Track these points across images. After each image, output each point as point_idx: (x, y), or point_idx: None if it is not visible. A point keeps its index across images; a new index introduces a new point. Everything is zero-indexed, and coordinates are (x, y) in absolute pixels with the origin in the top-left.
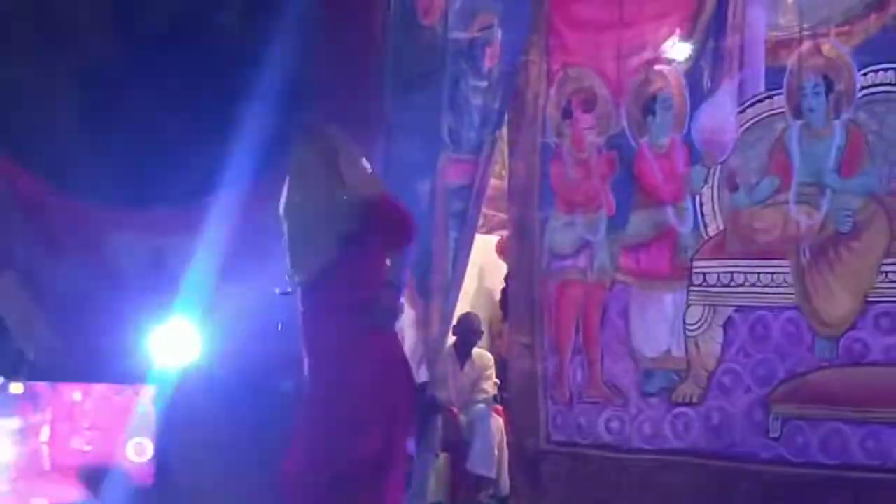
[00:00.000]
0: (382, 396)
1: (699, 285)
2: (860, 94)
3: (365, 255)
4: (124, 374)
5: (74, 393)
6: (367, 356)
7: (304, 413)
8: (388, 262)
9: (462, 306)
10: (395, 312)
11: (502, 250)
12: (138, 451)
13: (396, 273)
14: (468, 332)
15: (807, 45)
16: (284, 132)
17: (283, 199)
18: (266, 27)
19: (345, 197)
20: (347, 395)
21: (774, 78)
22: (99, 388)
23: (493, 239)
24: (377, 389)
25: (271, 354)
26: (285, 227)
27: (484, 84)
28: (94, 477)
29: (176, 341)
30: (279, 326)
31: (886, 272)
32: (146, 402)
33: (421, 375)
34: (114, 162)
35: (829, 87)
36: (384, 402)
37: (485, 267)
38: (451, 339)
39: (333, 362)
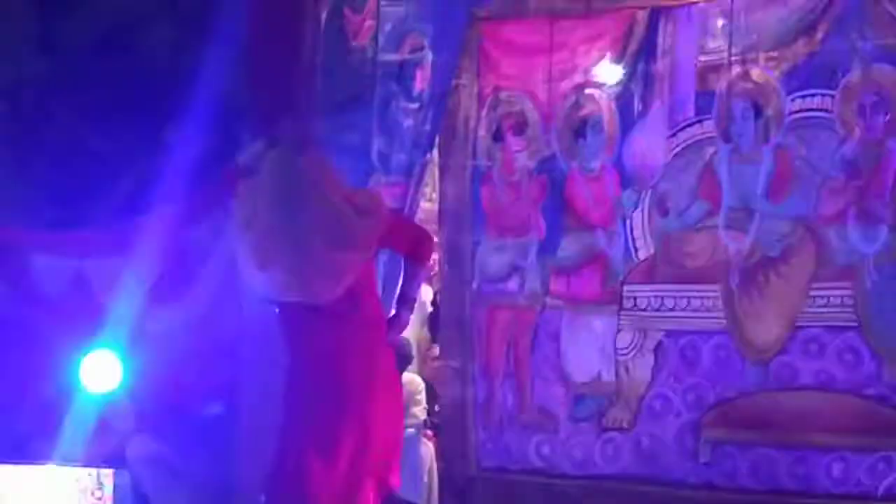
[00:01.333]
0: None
1: (630, 309)
2: (789, 119)
3: (369, 267)
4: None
5: None
6: (377, 370)
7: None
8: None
9: None
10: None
11: (428, 274)
12: None
13: (411, 288)
14: (399, 357)
15: (736, 70)
16: (212, 152)
17: (248, 212)
18: (194, 45)
19: (351, 208)
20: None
21: (704, 103)
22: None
23: None
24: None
25: (200, 379)
26: (254, 240)
27: (415, 106)
28: None
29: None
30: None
31: (815, 296)
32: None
33: None
34: (35, 182)
35: (758, 113)
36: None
37: None
38: None
39: (343, 377)
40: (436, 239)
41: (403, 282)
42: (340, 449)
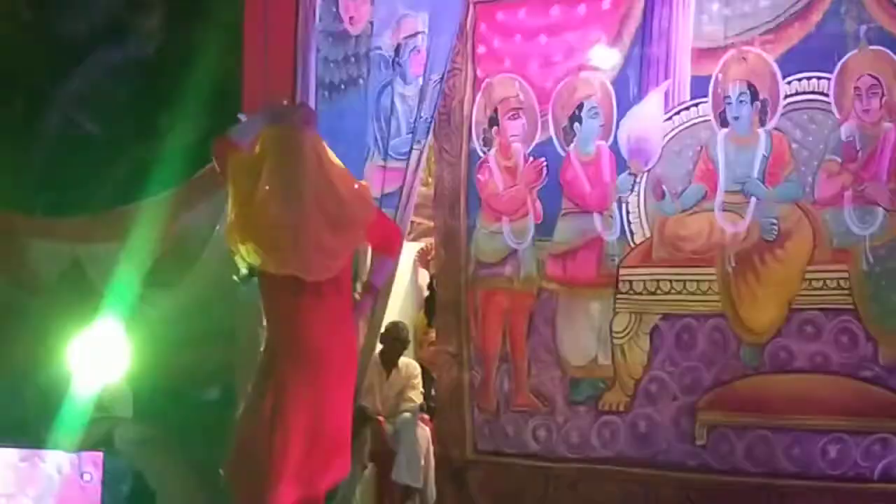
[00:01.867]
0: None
1: (626, 293)
2: (784, 103)
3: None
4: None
5: None
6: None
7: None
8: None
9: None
10: None
11: (423, 258)
12: None
13: (378, 278)
14: (396, 340)
15: (732, 53)
16: (208, 138)
17: (246, 186)
18: (190, 32)
19: (349, 192)
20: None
21: (700, 86)
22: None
23: (418, 246)
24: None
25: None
26: (252, 213)
27: (410, 91)
28: None
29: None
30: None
31: (810, 279)
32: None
33: None
34: (32, 168)
35: (754, 96)
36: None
37: (410, 274)
38: (378, 347)
39: (321, 355)
40: (432, 223)
41: (372, 272)
42: (301, 426)
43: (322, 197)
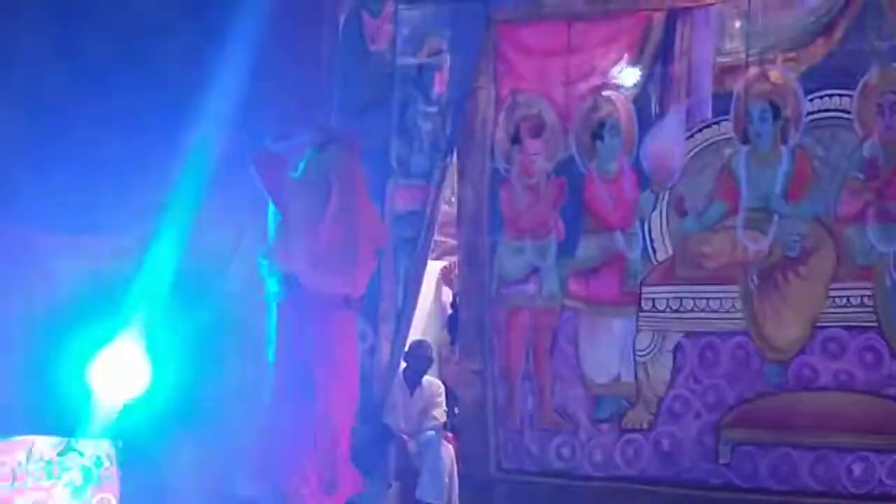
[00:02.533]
0: None
1: (648, 311)
2: (807, 120)
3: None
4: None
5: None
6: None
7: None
8: None
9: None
10: None
11: (447, 276)
12: None
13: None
14: (420, 359)
15: (754, 70)
16: (231, 156)
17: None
18: (214, 51)
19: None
20: None
21: (722, 104)
22: (40, 444)
23: (441, 265)
24: None
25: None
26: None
27: (433, 110)
28: None
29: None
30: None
31: (834, 297)
32: (107, 456)
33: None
34: (57, 187)
35: (776, 113)
36: None
37: (434, 292)
38: (402, 365)
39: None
40: (455, 241)
41: None
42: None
43: (363, 220)
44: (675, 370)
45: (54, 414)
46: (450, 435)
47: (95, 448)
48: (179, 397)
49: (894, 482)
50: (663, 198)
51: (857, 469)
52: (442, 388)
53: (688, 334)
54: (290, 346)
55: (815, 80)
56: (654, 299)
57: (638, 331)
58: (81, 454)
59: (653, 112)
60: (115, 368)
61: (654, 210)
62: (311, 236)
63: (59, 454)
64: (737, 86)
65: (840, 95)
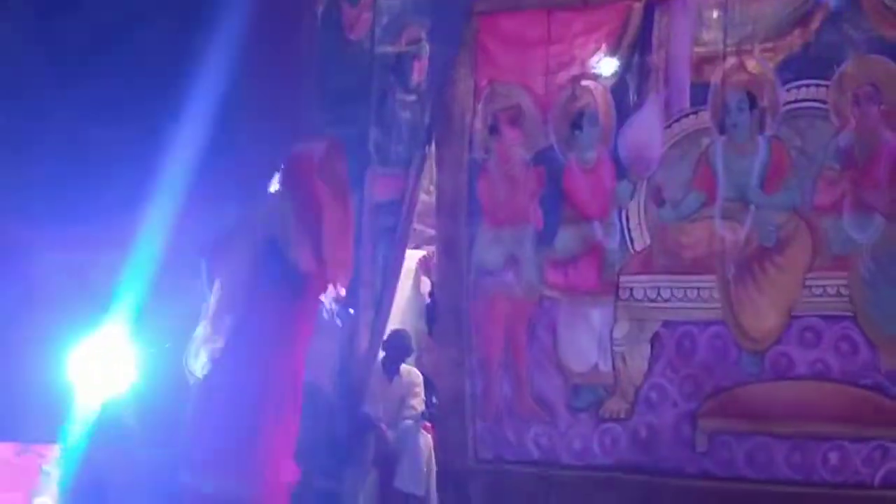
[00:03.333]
0: None
1: (626, 300)
2: (783, 110)
3: None
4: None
5: None
6: None
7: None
8: None
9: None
10: None
11: (425, 265)
12: None
13: None
14: (399, 348)
15: (731, 61)
16: (212, 146)
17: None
18: (194, 42)
19: None
20: None
21: (699, 94)
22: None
23: (420, 254)
24: None
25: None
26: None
27: (412, 98)
28: None
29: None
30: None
31: (810, 286)
32: (51, 462)
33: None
34: (36, 178)
35: (753, 103)
36: None
37: (412, 281)
38: (380, 354)
39: None
40: (434, 231)
41: None
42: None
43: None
44: (653, 359)
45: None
46: (428, 424)
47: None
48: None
49: (870, 470)
50: (641, 187)
51: (834, 457)
52: (420, 378)
53: (665, 323)
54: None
55: (791, 71)
56: (631, 288)
57: (616, 320)
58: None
59: (631, 102)
60: (99, 359)
61: (631, 200)
62: (319, 228)
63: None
64: (714, 76)
65: (816, 86)
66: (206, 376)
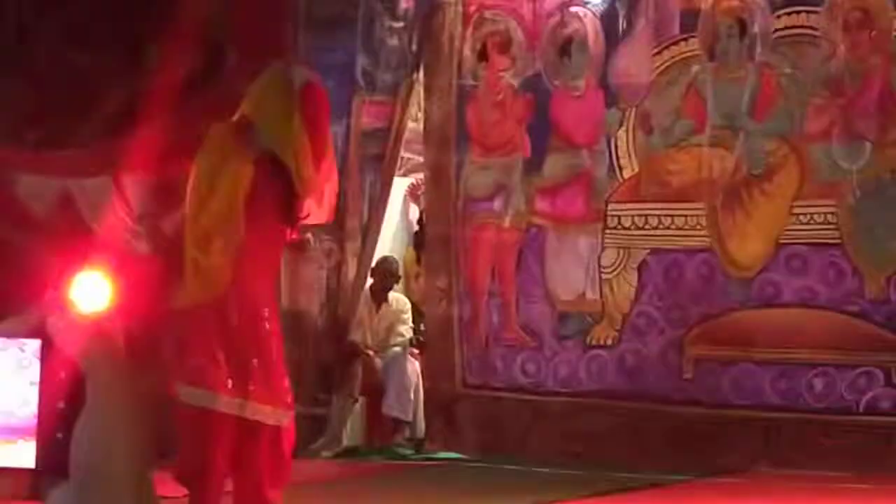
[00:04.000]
0: None
1: (614, 228)
2: (774, 37)
3: None
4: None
5: None
6: None
7: None
8: None
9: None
10: None
11: (414, 193)
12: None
13: None
14: (386, 275)
15: None
16: (198, 72)
17: None
18: None
19: None
20: None
21: (689, 20)
22: None
23: (408, 181)
24: None
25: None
26: None
27: (400, 25)
28: None
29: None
30: None
31: (798, 214)
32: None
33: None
34: (18, 103)
35: (743, 30)
36: None
37: (401, 209)
38: (368, 281)
39: None
40: (422, 158)
41: None
42: None
43: None
44: (640, 287)
45: None
46: (415, 351)
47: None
48: None
49: (854, 396)
50: (630, 115)
51: (818, 384)
52: (408, 305)
53: (653, 251)
54: None
55: None
56: (619, 216)
57: (603, 248)
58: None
59: (620, 29)
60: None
61: (620, 127)
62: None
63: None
64: (704, 2)
65: (807, 12)
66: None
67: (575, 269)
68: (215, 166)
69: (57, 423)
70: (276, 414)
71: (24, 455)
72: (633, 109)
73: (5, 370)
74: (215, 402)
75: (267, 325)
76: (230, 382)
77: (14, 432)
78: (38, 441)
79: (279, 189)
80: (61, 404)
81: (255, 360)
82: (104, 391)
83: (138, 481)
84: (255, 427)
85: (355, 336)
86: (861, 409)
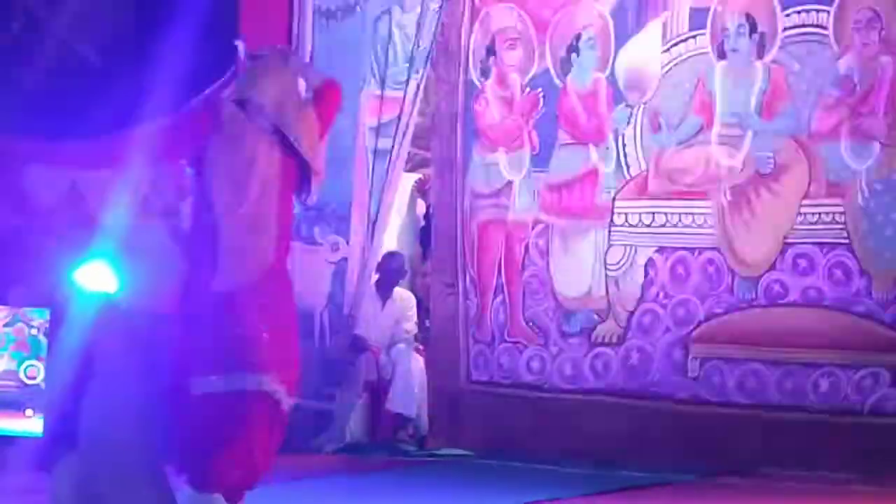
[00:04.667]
0: None
1: (621, 225)
2: (783, 35)
3: None
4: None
5: None
6: None
7: None
8: None
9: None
10: None
11: (421, 188)
12: (30, 374)
13: None
14: (392, 271)
15: None
16: (204, 61)
17: None
18: None
19: None
20: None
21: (699, 18)
22: None
23: (415, 177)
24: None
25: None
26: None
27: (409, 20)
28: None
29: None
30: None
31: (805, 213)
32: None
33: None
34: (27, 92)
35: (753, 28)
36: None
37: (408, 204)
38: (374, 277)
39: None
40: (430, 154)
41: None
42: None
43: None
44: (646, 285)
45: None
46: (421, 347)
47: (41, 318)
48: None
49: (860, 397)
50: (638, 112)
51: (824, 384)
52: (414, 301)
53: (659, 249)
54: None
55: None
56: (626, 214)
57: (610, 245)
58: (29, 326)
59: (629, 25)
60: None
61: (628, 124)
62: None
63: (6, 325)
64: (714, 0)
65: (817, 11)
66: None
67: (581, 266)
68: (241, 149)
69: (65, 394)
70: (289, 399)
71: (32, 425)
72: (642, 106)
73: None
74: (271, 387)
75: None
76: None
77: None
78: (46, 412)
79: (292, 168)
80: (70, 375)
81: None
82: (114, 363)
83: (147, 456)
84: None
85: (360, 331)
86: (866, 411)
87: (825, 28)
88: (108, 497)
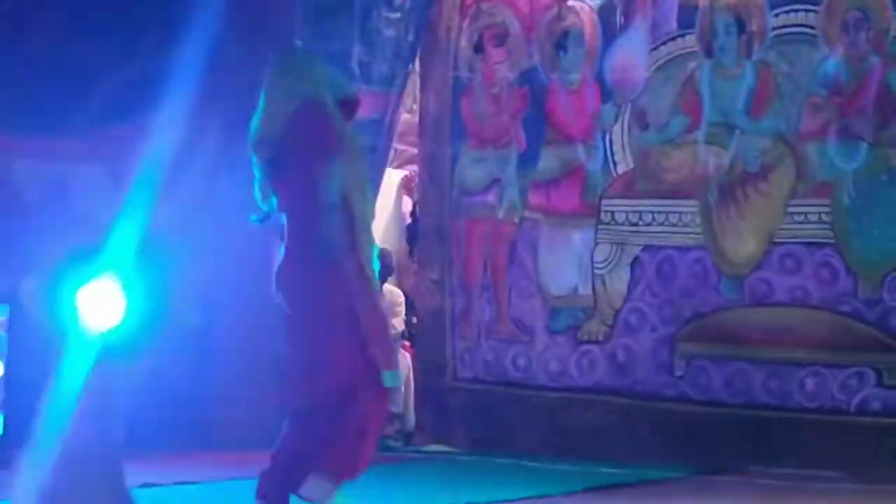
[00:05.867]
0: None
1: (608, 223)
2: (772, 35)
3: None
4: None
5: None
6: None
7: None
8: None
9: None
10: None
11: (407, 185)
12: None
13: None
14: (379, 268)
15: None
16: (193, 58)
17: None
18: None
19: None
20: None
21: (687, 17)
22: None
23: (402, 173)
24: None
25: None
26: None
27: (396, 16)
28: None
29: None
30: None
31: (792, 213)
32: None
33: None
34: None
35: (741, 27)
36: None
37: (394, 201)
38: None
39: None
40: (416, 150)
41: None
42: None
43: None
44: (633, 283)
45: None
46: (407, 344)
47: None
48: None
49: (846, 397)
50: (625, 110)
51: (810, 383)
52: (401, 297)
53: (646, 248)
54: None
55: None
56: (613, 212)
57: (596, 243)
58: None
59: (617, 23)
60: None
61: (615, 123)
62: None
63: None
64: None
65: (806, 11)
66: None
67: (568, 264)
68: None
69: (25, 391)
70: None
71: None
72: (629, 105)
73: None
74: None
75: None
76: None
77: None
78: (5, 408)
79: None
80: (30, 372)
81: None
82: (74, 360)
83: (106, 454)
84: None
85: None
86: (852, 410)
87: (813, 28)
88: (67, 492)
